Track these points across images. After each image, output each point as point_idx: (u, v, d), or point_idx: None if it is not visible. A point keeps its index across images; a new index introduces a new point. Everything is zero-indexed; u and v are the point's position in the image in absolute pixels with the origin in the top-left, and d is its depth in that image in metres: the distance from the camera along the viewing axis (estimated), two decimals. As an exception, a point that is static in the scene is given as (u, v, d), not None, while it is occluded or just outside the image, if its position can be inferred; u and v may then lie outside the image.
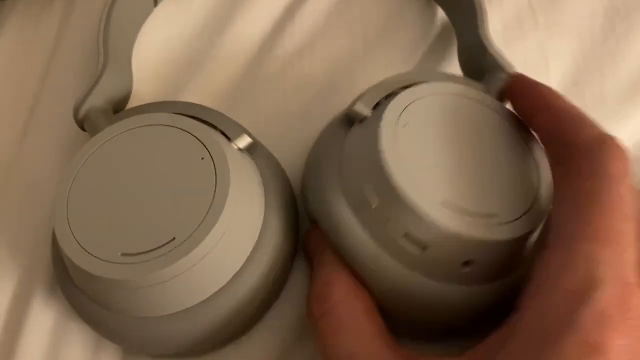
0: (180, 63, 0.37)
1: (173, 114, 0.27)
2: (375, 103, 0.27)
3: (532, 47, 0.38)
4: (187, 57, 0.37)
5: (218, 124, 0.28)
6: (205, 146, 0.26)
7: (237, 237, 0.26)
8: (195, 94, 0.36)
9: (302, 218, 0.31)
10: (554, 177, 0.24)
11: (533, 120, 0.26)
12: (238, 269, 0.26)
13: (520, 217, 0.25)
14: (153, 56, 0.37)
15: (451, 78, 0.30)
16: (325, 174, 0.27)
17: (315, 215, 0.27)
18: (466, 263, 0.24)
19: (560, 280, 0.18)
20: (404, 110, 0.26)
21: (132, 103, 0.33)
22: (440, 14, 0.38)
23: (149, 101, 0.35)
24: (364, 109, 0.27)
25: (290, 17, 0.38)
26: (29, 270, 0.31)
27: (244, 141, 0.28)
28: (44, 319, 0.30)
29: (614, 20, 0.38)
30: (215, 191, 0.25)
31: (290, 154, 0.33)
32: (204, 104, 0.34)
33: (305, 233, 0.29)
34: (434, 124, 0.26)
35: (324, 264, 0.26)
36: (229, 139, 0.28)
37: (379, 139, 0.25)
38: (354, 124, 0.28)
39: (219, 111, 0.29)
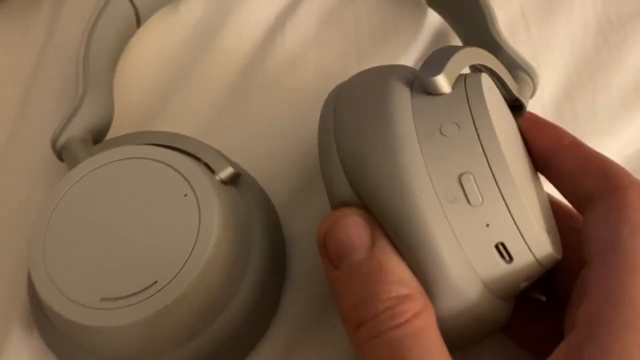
0: (167, 80, 0.36)
1: (155, 146, 0.27)
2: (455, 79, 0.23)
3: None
4: (175, 73, 0.36)
5: (201, 155, 0.27)
6: (188, 182, 0.25)
7: (221, 277, 0.25)
8: (184, 110, 0.35)
9: (289, 245, 0.30)
10: (595, 204, 0.24)
11: (557, 155, 0.26)
12: (223, 308, 0.25)
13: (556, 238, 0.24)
14: (138, 76, 0.36)
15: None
16: (397, 154, 0.21)
17: (379, 200, 0.21)
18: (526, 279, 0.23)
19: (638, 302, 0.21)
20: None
21: (117, 126, 0.32)
22: (432, 19, 0.37)
23: (133, 120, 0.34)
24: (445, 86, 0.23)
25: (280, 27, 0.38)
26: (5, 307, 0.30)
27: (228, 173, 0.27)
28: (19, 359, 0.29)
29: (607, 32, 0.37)
30: (198, 231, 0.24)
31: (282, 170, 0.32)
32: (193, 119, 0.34)
33: (332, 221, 0.22)
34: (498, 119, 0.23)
35: (388, 265, 0.21)
36: (212, 171, 0.27)
37: (492, 128, 0.21)
38: (413, 90, 0.23)
39: (203, 142, 0.28)
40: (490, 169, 0.21)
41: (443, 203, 0.21)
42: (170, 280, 0.23)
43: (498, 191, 0.21)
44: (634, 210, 0.23)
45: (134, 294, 0.23)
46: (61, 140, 0.28)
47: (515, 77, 0.29)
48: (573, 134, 0.34)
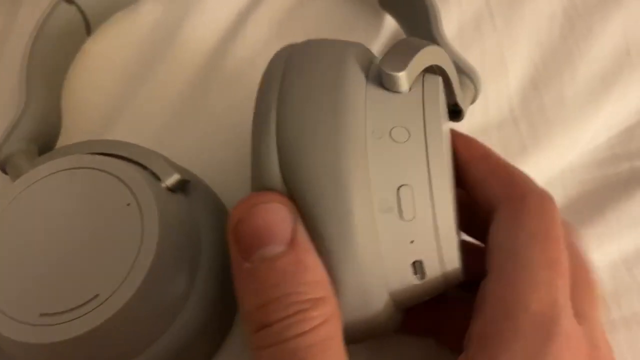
0: (123, 85, 0.36)
1: (98, 155, 0.26)
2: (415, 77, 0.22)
3: (490, 50, 0.36)
4: (131, 78, 0.36)
5: (147, 162, 0.26)
6: (131, 190, 0.24)
7: (168, 287, 0.24)
8: (141, 115, 0.35)
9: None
10: (497, 213, 0.23)
11: (468, 167, 0.25)
12: (170, 322, 0.24)
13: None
14: (93, 82, 0.35)
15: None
16: (342, 150, 0.20)
17: (310, 192, 0.20)
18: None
19: (532, 304, 0.20)
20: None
21: (72, 133, 0.32)
22: (390, 21, 0.37)
23: (89, 128, 0.34)
24: (405, 84, 0.21)
25: (242, 26, 0.37)
26: None
27: (174, 180, 0.26)
28: None
29: (574, 21, 0.36)
30: (141, 242, 0.23)
31: (239, 174, 0.32)
32: (150, 123, 0.33)
33: (250, 205, 0.20)
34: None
35: (308, 263, 0.20)
36: (158, 178, 0.26)
37: (441, 142, 0.21)
38: (369, 78, 0.22)
39: (149, 149, 0.28)
40: (430, 186, 0.20)
41: (376, 211, 0.20)
42: (112, 293, 0.22)
43: (432, 210, 0.20)
44: (531, 217, 0.22)
45: (75, 308, 0.22)
46: (3, 153, 0.28)
47: (464, 85, 0.28)
48: (540, 124, 0.34)
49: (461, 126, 0.34)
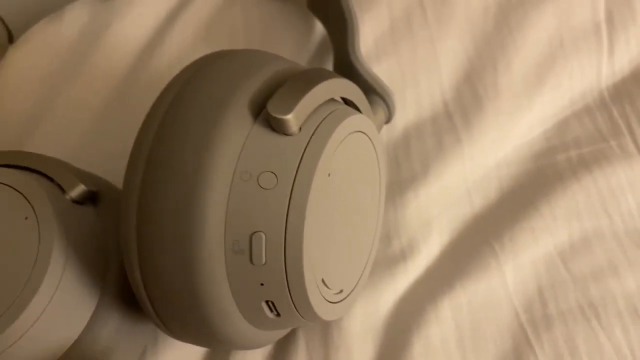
0: (43, 94, 0.35)
1: None
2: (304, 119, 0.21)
3: (422, 44, 0.35)
4: (53, 86, 0.35)
5: (51, 173, 0.25)
6: (30, 203, 0.23)
7: (68, 306, 0.23)
8: (61, 125, 0.34)
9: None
10: None
11: None
12: (71, 343, 0.23)
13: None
14: (12, 91, 0.35)
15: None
16: (202, 190, 0.20)
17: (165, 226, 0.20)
18: None
19: None
20: (335, 150, 0.22)
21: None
22: (320, 25, 0.36)
23: (8, 137, 0.32)
24: (293, 127, 0.20)
25: (168, 31, 0.36)
26: None
27: (79, 191, 0.25)
28: None
29: (507, 10, 0.36)
30: (37, 257, 0.22)
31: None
32: (70, 130, 0.33)
33: None
34: (351, 175, 0.23)
35: None
36: (63, 190, 0.25)
37: (309, 189, 0.20)
38: (257, 121, 0.21)
39: (56, 158, 0.27)
40: (285, 234, 0.20)
41: (227, 249, 0.20)
42: (4, 312, 0.21)
43: (283, 256, 0.20)
44: None
45: None
46: None
47: (370, 101, 0.27)
48: (474, 116, 0.33)
49: (394, 124, 0.33)
